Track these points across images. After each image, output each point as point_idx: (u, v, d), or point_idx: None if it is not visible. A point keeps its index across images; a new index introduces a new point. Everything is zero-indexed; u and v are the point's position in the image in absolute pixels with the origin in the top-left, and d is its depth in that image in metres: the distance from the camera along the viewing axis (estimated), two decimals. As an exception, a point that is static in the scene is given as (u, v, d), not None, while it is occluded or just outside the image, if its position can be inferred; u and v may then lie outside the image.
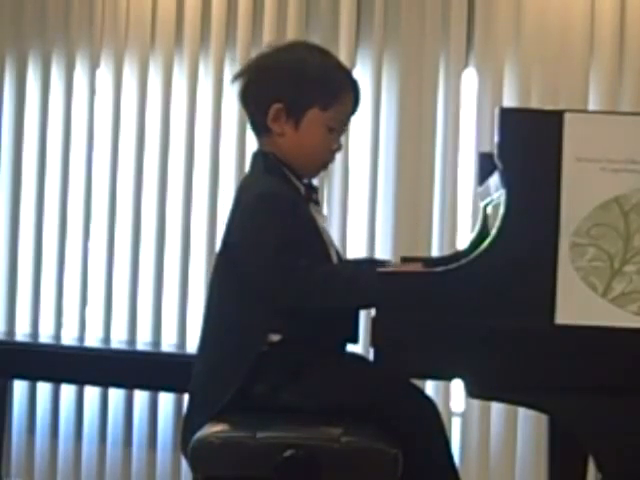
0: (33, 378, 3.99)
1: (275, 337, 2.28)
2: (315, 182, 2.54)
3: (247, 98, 2.45)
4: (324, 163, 2.45)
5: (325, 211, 3.94)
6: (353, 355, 2.49)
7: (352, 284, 2.18)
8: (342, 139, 2.48)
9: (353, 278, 2.20)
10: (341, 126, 2.43)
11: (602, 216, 1.95)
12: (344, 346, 2.44)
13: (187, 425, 2.30)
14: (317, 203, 2.45)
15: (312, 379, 2.25)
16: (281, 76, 2.39)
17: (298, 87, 2.37)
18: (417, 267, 2.35)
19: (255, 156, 2.45)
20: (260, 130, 2.43)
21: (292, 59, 2.42)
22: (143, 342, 4.04)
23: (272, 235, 2.23)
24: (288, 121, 2.37)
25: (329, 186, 3.95)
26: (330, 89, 2.38)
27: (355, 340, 2.43)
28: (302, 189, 2.40)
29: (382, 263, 2.62)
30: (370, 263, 2.68)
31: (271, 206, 2.27)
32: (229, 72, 3.98)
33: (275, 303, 2.23)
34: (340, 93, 2.39)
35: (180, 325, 4.05)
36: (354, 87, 2.44)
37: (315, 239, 2.35)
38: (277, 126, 2.38)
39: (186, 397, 3.90)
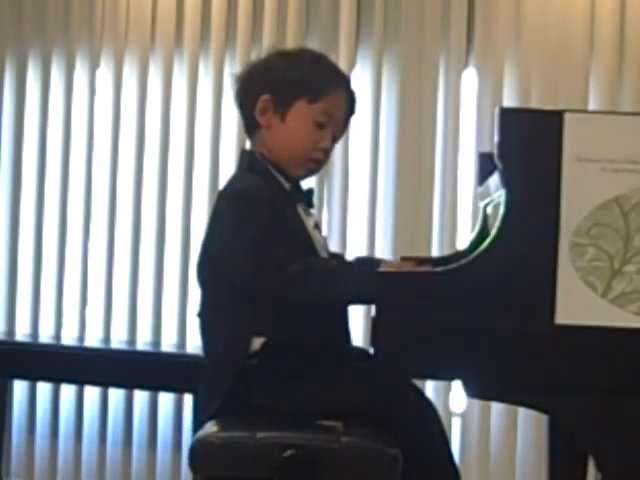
0: (33, 378, 3.99)
1: (259, 340, 2.26)
2: (313, 184, 2.52)
3: (240, 97, 2.45)
4: (311, 160, 2.39)
5: (325, 211, 3.94)
6: (358, 350, 2.48)
7: (332, 279, 2.15)
8: (342, 139, 2.47)
9: (333, 273, 2.17)
10: (332, 124, 2.39)
11: (602, 216, 1.95)
12: (344, 345, 2.43)
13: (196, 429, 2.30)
14: (310, 205, 2.43)
15: (312, 381, 2.24)
16: (270, 71, 2.40)
17: (285, 78, 2.36)
18: (411, 265, 2.34)
19: (241, 154, 2.45)
20: (250, 128, 2.42)
21: (283, 56, 2.44)
22: (143, 342, 4.04)
23: (248, 232, 2.19)
24: (275, 113, 2.36)
25: (329, 186, 3.95)
26: (319, 81, 2.37)
27: (348, 339, 2.42)
28: (287, 187, 2.38)
29: (378, 262, 2.61)
30: (366, 261, 2.67)
31: (244, 205, 2.24)
32: (229, 72, 3.98)
33: (254, 301, 2.20)
34: (329, 87, 2.37)
35: (180, 325, 4.05)
36: (347, 88, 2.42)
37: (299, 238, 2.31)
38: (264, 119, 2.37)
39: (186, 397, 3.94)
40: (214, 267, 2.30)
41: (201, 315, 2.39)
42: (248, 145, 2.49)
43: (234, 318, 2.27)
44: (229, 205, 2.29)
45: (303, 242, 2.33)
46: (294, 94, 2.36)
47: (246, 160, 2.40)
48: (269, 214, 2.23)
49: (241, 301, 2.24)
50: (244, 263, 2.20)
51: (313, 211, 2.46)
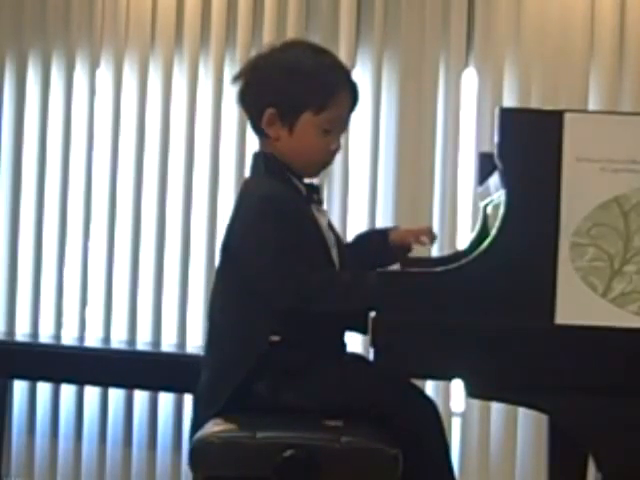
0: (33, 378, 3.99)
1: (275, 337, 2.28)
2: (316, 181, 2.53)
3: (245, 101, 2.44)
4: (323, 164, 2.44)
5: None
6: (353, 355, 2.49)
7: (351, 288, 2.18)
8: (342, 139, 2.47)
9: (352, 282, 2.19)
10: (339, 126, 2.41)
11: (602, 216, 1.95)
12: (344, 346, 2.44)
13: (194, 427, 2.29)
14: (319, 202, 2.44)
15: (313, 379, 2.25)
16: (273, 80, 2.38)
17: (290, 92, 2.35)
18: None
19: (256, 157, 2.45)
20: (258, 133, 2.43)
21: (285, 62, 2.40)
22: (143, 342, 4.04)
23: (272, 238, 2.23)
24: (282, 126, 2.36)
25: (329, 186, 3.95)
26: (323, 92, 2.36)
27: (364, 332, 2.41)
28: (303, 190, 2.40)
29: (385, 231, 2.60)
30: (374, 233, 2.68)
31: (272, 209, 2.26)
32: (229, 72, 3.98)
33: (274, 306, 2.23)
34: (334, 95, 2.37)
35: (180, 325, 4.04)
36: (350, 85, 2.42)
37: (316, 241, 2.34)
38: (272, 131, 2.37)
39: (186, 397, 3.94)
40: (233, 269, 2.32)
41: (214, 314, 2.39)
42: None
43: (252, 319, 2.27)
44: (252, 210, 2.30)
45: (319, 246, 2.34)
46: (299, 108, 2.35)
47: (262, 164, 2.40)
48: (292, 221, 2.25)
49: (260, 304, 2.25)
50: (264, 273, 2.23)
51: (323, 208, 2.47)
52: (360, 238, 2.63)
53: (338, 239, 2.47)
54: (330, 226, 2.46)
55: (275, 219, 2.25)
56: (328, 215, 2.50)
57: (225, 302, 2.36)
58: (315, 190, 2.43)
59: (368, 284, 2.11)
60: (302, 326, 2.24)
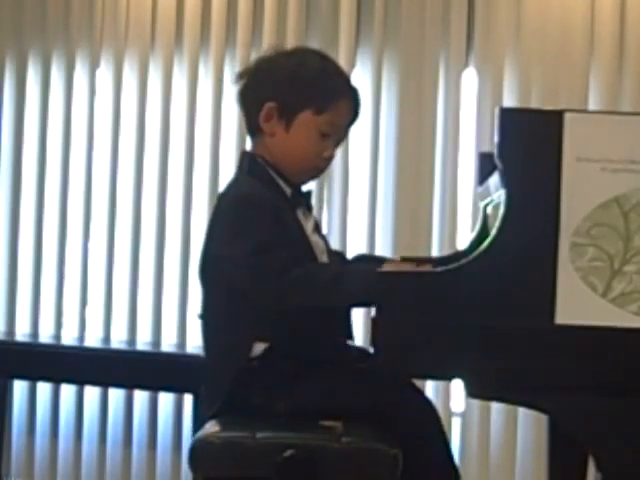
0: (33, 378, 4.00)
1: (262, 345, 2.26)
2: (312, 186, 2.52)
3: (244, 99, 2.44)
4: (314, 169, 2.40)
5: (325, 212, 3.94)
6: (358, 349, 2.48)
7: (333, 283, 2.15)
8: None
9: (334, 276, 2.17)
10: (337, 133, 2.39)
11: (602, 216, 1.95)
12: (345, 345, 2.43)
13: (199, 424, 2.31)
14: (309, 209, 2.42)
15: (312, 381, 2.24)
16: (277, 76, 2.37)
17: (292, 87, 2.34)
18: (411, 266, 2.34)
19: (242, 156, 2.44)
20: (253, 131, 2.41)
21: (290, 60, 2.40)
22: (143, 342, 4.04)
23: (249, 236, 2.20)
24: (280, 122, 2.35)
25: (329, 186, 3.95)
26: (325, 93, 2.35)
27: (350, 336, 2.42)
28: (288, 192, 2.37)
29: (380, 260, 2.60)
30: (368, 260, 2.67)
31: (245, 211, 2.24)
32: (229, 72, 3.98)
33: (254, 304, 2.21)
34: (336, 98, 2.35)
35: (180, 325, 4.05)
36: (353, 95, 2.40)
37: (299, 243, 2.31)
38: (268, 126, 2.36)
39: (186, 397, 3.94)
40: (215, 270, 2.31)
41: (203, 316, 2.39)
42: (249, 146, 2.49)
43: (235, 320, 2.27)
44: (230, 210, 2.28)
45: (302, 249, 2.32)
46: (300, 105, 2.34)
47: (246, 163, 2.39)
48: (270, 221, 2.23)
49: (242, 304, 2.24)
50: (245, 267, 2.20)
51: (312, 215, 2.45)
52: (356, 263, 2.62)
53: (328, 247, 2.45)
54: (319, 232, 2.44)
55: (251, 218, 2.22)
56: (318, 221, 2.46)
57: (212, 303, 2.35)
58: (303, 195, 2.41)
59: (351, 279, 2.11)
60: (300, 327, 2.24)
